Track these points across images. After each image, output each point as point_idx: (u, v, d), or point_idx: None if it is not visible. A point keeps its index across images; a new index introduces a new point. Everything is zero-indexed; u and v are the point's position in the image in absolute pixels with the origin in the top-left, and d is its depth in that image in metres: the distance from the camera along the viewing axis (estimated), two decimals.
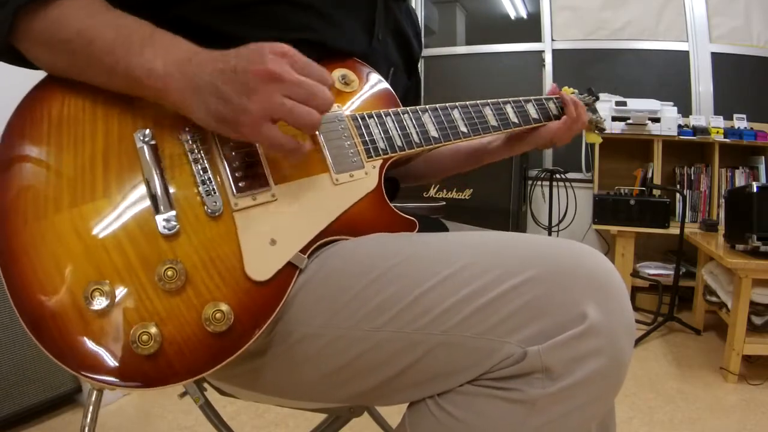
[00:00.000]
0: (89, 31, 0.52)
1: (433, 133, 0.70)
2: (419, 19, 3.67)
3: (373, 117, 0.66)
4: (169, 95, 0.52)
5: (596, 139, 0.96)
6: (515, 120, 0.79)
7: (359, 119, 0.65)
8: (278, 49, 0.51)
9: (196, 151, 0.55)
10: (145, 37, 0.53)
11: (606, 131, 0.98)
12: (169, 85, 0.51)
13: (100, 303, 0.47)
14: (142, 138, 0.53)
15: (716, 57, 3.05)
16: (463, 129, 0.72)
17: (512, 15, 3.70)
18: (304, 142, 0.55)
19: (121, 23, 0.54)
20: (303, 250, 0.56)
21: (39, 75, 0.56)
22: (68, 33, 0.52)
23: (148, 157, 0.53)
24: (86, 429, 0.82)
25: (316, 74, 0.52)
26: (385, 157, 0.65)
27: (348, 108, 0.66)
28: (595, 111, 0.95)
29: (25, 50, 0.55)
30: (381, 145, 0.65)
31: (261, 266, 0.53)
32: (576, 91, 0.92)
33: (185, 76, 0.51)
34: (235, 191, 0.54)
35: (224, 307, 0.50)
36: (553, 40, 3.35)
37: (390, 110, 0.68)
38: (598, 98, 0.96)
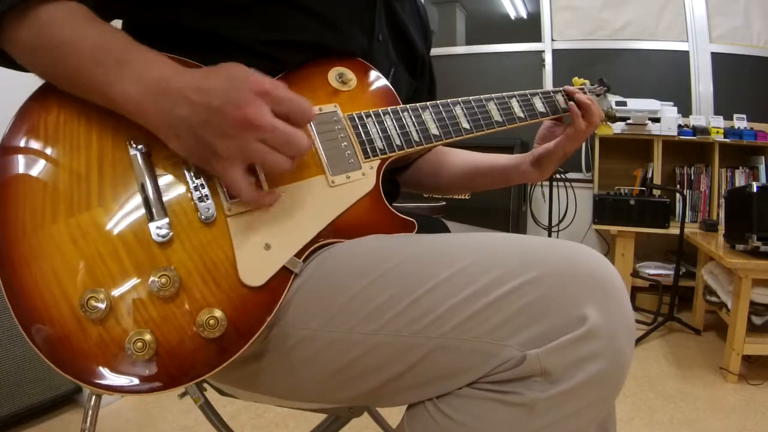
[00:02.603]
0: (69, 45, 0.51)
1: (434, 130, 0.68)
2: None
3: (371, 116, 0.65)
4: (145, 120, 0.52)
5: (608, 130, 0.95)
6: (521, 115, 0.76)
7: (356, 119, 0.64)
8: (258, 86, 0.49)
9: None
10: (121, 57, 0.51)
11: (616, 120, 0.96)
12: (143, 111, 0.51)
13: (95, 310, 0.47)
14: (134, 145, 0.53)
15: (716, 57, 3.05)
16: (466, 125, 0.70)
17: (512, 15, 3.70)
18: (268, 197, 0.54)
19: (101, 40, 0.52)
20: (298, 254, 0.56)
21: (36, 80, 0.56)
22: (51, 44, 0.51)
23: (141, 165, 0.53)
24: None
25: (295, 110, 0.51)
26: (383, 157, 0.64)
27: (345, 107, 0.65)
28: (606, 101, 0.93)
29: (13, 54, 0.54)
30: (379, 144, 0.64)
31: (255, 271, 0.53)
32: (587, 81, 0.89)
33: (158, 108, 0.50)
34: (228, 197, 0.54)
35: (218, 313, 0.50)
36: (553, 40, 3.34)
37: (389, 108, 0.66)
38: (609, 89, 0.92)
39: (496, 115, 0.73)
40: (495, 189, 0.93)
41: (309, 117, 0.52)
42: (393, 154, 0.65)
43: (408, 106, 0.68)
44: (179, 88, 0.50)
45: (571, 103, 0.80)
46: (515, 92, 0.77)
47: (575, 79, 0.87)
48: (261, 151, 0.49)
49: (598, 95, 0.91)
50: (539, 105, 0.78)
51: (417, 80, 0.87)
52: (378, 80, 0.70)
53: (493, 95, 0.74)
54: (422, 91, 0.88)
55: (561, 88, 0.82)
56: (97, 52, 0.51)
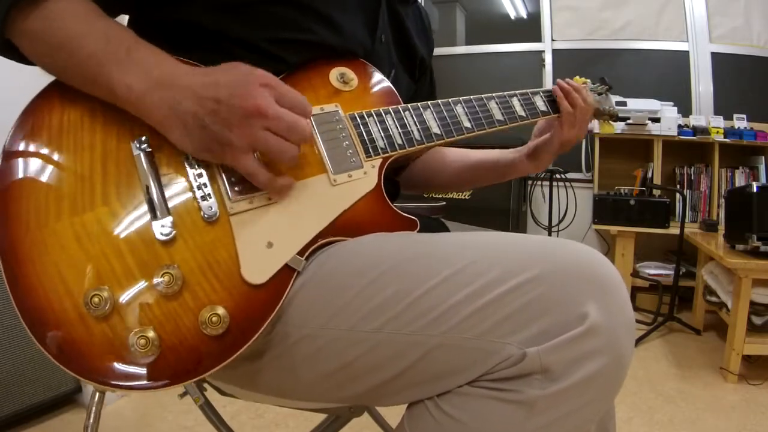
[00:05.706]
0: (79, 38, 0.52)
1: (435, 129, 0.68)
2: None
3: (372, 115, 0.65)
4: (148, 116, 0.52)
5: (610, 129, 0.95)
6: (522, 113, 0.76)
7: (358, 118, 0.64)
8: (262, 79, 0.52)
9: (191, 156, 0.55)
10: (130, 52, 0.53)
11: (618, 118, 0.96)
12: (148, 105, 0.52)
13: (99, 308, 0.47)
14: (138, 145, 0.54)
15: (716, 57, 3.05)
16: (467, 124, 0.70)
17: (512, 15, 3.70)
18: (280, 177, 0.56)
19: (110, 34, 0.53)
20: (300, 253, 0.56)
21: (40, 78, 0.56)
22: (59, 38, 0.52)
23: (144, 164, 0.53)
24: (89, 429, 0.83)
25: (296, 104, 0.54)
26: (385, 156, 0.64)
27: (346, 107, 0.65)
28: (608, 100, 0.93)
29: (22, 48, 0.55)
30: (380, 143, 0.64)
31: (257, 269, 0.53)
32: (588, 80, 0.89)
33: (165, 101, 0.51)
34: (230, 196, 0.55)
35: (221, 310, 0.50)
36: (553, 40, 3.35)
37: (390, 108, 0.67)
38: (611, 87, 0.93)
39: (498, 114, 0.73)
40: (495, 187, 0.94)
41: (308, 110, 0.55)
42: (394, 153, 0.65)
43: (409, 105, 0.68)
44: (186, 83, 0.52)
45: (571, 84, 0.81)
46: (517, 91, 0.77)
47: (576, 78, 0.87)
48: (267, 138, 0.52)
49: (599, 94, 0.91)
50: (540, 103, 0.78)
51: (417, 83, 0.87)
52: (379, 80, 0.71)
53: (494, 94, 0.74)
54: (422, 97, 0.88)
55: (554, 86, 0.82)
56: (105, 46, 0.52)
